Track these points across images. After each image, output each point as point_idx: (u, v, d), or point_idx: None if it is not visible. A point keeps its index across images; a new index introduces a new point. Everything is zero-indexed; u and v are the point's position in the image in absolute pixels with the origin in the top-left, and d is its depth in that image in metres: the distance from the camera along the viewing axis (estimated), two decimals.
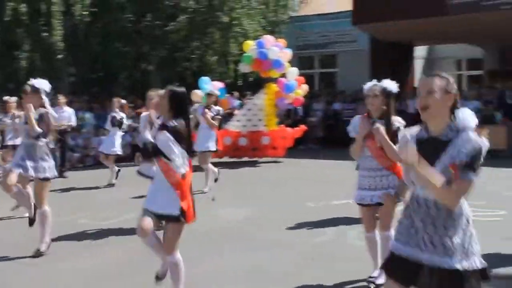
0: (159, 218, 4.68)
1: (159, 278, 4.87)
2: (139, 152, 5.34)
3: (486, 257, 3.13)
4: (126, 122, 12.17)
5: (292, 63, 15.21)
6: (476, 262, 2.99)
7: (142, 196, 9.88)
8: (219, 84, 12.73)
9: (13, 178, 6.49)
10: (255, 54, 14.04)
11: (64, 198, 10.13)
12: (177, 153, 4.48)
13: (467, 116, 3.06)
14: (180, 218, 4.53)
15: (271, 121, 14.75)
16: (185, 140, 4.57)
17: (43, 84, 6.55)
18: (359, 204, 5.24)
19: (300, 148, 16.81)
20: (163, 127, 4.58)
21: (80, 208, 9.13)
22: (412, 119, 5.27)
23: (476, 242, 3.04)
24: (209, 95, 11.11)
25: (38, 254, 6.29)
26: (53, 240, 6.60)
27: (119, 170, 11.58)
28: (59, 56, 16.73)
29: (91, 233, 7.40)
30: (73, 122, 13.21)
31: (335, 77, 22.11)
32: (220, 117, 11.08)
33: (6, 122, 10.49)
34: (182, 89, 4.73)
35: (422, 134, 3.11)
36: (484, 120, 12.07)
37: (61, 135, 12.48)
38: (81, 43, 17.76)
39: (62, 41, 16.44)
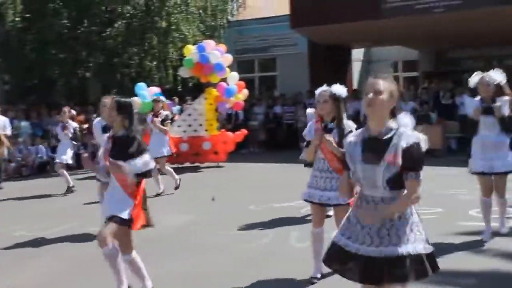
0: (109, 220, 4.75)
1: None
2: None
3: None
4: (78, 132, 12.13)
5: (232, 67, 15.21)
6: (420, 248, 3.21)
7: (83, 205, 9.78)
8: (156, 89, 12.60)
9: None
10: (196, 58, 13.97)
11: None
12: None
13: (405, 118, 3.30)
14: (126, 223, 4.67)
15: (212, 126, 14.71)
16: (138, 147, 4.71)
17: None
18: (307, 201, 5.40)
19: (242, 152, 16.83)
20: (117, 137, 4.75)
21: (16, 219, 8.88)
22: (352, 120, 5.42)
23: (420, 230, 3.27)
24: (155, 101, 11.17)
25: None
26: None
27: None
28: None
29: (27, 245, 7.19)
30: (8, 131, 12.85)
31: (275, 81, 22.24)
32: (169, 121, 11.39)
33: None
34: (128, 99, 4.88)
35: (364, 135, 3.33)
36: (420, 120, 12.33)
37: None
38: (13, 50, 17.30)
39: None
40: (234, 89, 14.54)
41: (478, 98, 6.49)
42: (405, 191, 3.22)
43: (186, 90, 18.72)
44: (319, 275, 5.36)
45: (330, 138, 5.07)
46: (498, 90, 6.28)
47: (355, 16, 16.20)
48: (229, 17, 21.40)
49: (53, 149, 15.97)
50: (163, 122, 10.92)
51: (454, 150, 15.23)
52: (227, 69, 14.36)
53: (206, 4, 19.80)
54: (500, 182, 6.52)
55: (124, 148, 4.70)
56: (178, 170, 11.46)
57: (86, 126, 15.85)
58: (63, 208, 9.46)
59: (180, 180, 10.86)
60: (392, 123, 3.26)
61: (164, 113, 11.12)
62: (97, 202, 7.75)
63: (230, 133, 15.07)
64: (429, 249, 3.27)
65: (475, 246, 6.31)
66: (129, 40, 17.89)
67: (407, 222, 3.26)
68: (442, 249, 6.04)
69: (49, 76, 17.75)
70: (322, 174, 5.28)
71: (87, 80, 19.42)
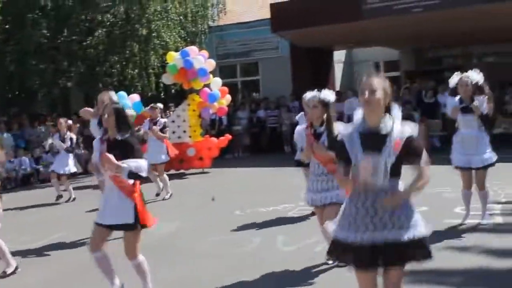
0: (113, 229, 4.89)
1: None
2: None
3: None
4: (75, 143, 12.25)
5: (214, 72, 15.20)
6: (418, 232, 3.43)
7: (71, 215, 9.73)
8: (136, 98, 12.55)
9: None
10: (180, 63, 13.94)
11: None
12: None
13: (398, 111, 3.52)
14: (135, 226, 4.81)
15: (196, 132, 14.69)
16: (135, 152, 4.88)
17: None
18: (311, 205, 5.72)
19: (226, 158, 16.82)
20: (113, 141, 4.89)
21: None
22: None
23: (416, 215, 3.49)
24: (153, 108, 11.26)
25: None
26: None
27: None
28: None
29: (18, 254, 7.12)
30: None
31: (258, 85, 22.26)
32: (167, 128, 11.75)
33: None
34: (120, 105, 5.20)
35: (362, 128, 3.49)
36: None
37: None
38: None
39: None
40: (217, 95, 14.53)
41: (457, 97, 6.82)
42: (416, 177, 3.49)
43: (169, 97, 18.67)
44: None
45: (319, 145, 5.27)
46: (476, 90, 6.63)
47: (335, 18, 16.26)
48: (210, 23, 21.38)
49: (37, 160, 15.90)
50: (162, 129, 11.22)
51: (438, 148, 15.32)
52: (210, 75, 14.35)
53: (186, 10, 19.76)
54: (480, 176, 6.86)
55: (119, 151, 4.82)
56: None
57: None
58: (48, 220, 9.39)
59: (171, 194, 10.92)
60: (388, 118, 3.46)
61: (163, 120, 11.44)
62: (88, 211, 7.71)
63: (214, 139, 15.05)
64: (429, 229, 3.49)
65: (461, 244, 6.35)
66: (110, 49, 17.80)
67: (408, 207, 3.46)
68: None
69: (30, 86, 17.61)
70: (318, 178, 5.49)
71: (69, 90, 19.29)
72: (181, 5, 19.52)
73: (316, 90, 5.60)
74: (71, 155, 11.76)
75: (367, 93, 3.42)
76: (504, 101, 16.25)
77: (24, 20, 16.83)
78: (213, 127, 17.93)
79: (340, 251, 3.54)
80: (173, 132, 14.42)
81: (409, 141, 3.42)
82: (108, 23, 17.84)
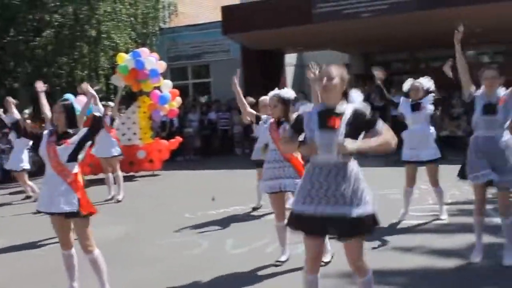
0: (62, 216, 4.97)
1: None
2: None
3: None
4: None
5: (165, 74, 15.10)
6: (369, 209, 3.71)
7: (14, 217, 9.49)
8: (83, 99, 12.35)
9: None
10: (131, 64, 13.79)
11: None
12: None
13: (356, 95, 3.89)
14: (79, 213, 4.91)
15: (146, 134, 14.55)
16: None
17: None
18: (269, 193, 5.86)
19: (177, 160, 16.73)
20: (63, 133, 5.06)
21: None
22: None
23: (368, 193, 3.75)
24: (105, 106, 11.12)
25: None
26: None
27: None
28: None
29: None
30: None
31: (209, 87, 22.22)
32: (122, 124, 11.82)
33: None
34: (70, 101, 5.28)
35: (321, 108, 3.83)
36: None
37: None
38: None
39: None
40: (168, 97, 14.44)
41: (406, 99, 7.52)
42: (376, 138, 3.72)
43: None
44: (284, 258, 5.95)
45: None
46: (426, 94, 7.37)
47: (286, 22, 16.39)
48: (161, 25, 21.24)
49: None
50: (111, 124, 11.08)
51: None
52: (161, 77, 14.25)
53: (136, 11, 19.58)
54: (431, 171, 7.37)
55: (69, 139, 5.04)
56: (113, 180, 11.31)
57: None
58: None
59: (123, 198, 10.82)
60: (344, 102, 3.79)
61: (110, 114, 11.21)
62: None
63: (164, 141, 14.95)
64: (375, 209, 3.76)
65: (406, 245, 6.48)
66: (59, 50, 17.49)
67: (360, 185, 3.73)
68: (373, 247, 6.17)
69: None
70: (275, 164, 5.73)
71: (16, 91, 18.84)
72: (132, 6, 19.34)
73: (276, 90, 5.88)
74: (25, 149, 11.25)
75: (325, 79, 3.75)
76: (451, 105, 16.65)
77: None
78: (163, 129, 17.81)
79: (296, 222, 3.83)
80: (123, 134, 14.25)
81: (357, 114, 3.72)
82: (57, 23, 17.53)
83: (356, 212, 3.66)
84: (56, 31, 17.53)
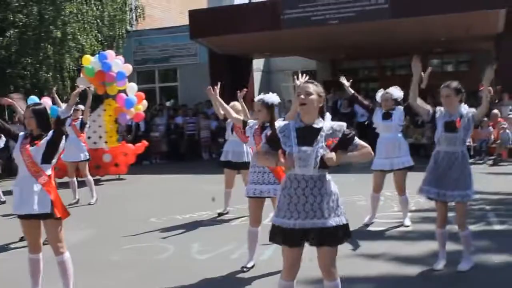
0: (34, 218, 5.01)
1: None
2: None
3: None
4: None
5: (132, 77, 14.98)
6: (343, 220, 3.92)
7: None
8: (48, 101, 12.17)
9: None
10: (98, 66, 13.63)
11: None
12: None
13: (328, 116, 4.01)
14: (52, 215, 4.96)
15: (112, 138, 14.39)
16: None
17: None
18: (249, 197, 5.87)
19: (144, 164, 16.60)
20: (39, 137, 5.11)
21: None
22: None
23: (340, 204, 3.94)
24: (75, 110, 10.98)
25: None
26: None
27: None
28: None
29: None
30: None
31: (176, 91, 22.14)
32: (88, 127, 11.69)
33: None
34: (42, 105, 5.30)
35: (298, 125, 3.95)
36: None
37: None
38: None
39: None
40: (134, 100, 14.32)
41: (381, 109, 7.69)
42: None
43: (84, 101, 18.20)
44: (251, 264, 5.97)
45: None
46: (396, 104, 7.59)
47: (254, 27, 16.44)
48: (128, 27, 21.08)
49: None
50: (81, 127, 11.03)
51: None
52: (127, 80, 14.12)
53: (103, 14, 19.39)
54: (398, 179, 7.55)
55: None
56: (78, 184, 11.13)
57: None
58: None
59: (97, 200, 10.76)
60: (320, 119, 3.94)
61: (80, 118, 11.16)
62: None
63: (130, 145, 14.81)
64: (347, 220, 3.95)
65: (372, 252, 6.52)
66: (23, 50, 17.20)
67: (335, 198, 3.91)
68: (341, 254, 6.19)
69: None
70: (256, 169, 5.78)
71: None
72: (98, 8, 19.14)
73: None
74: None
75: (302, 96, 3.88)
76: (415, 113, 16.87)
77: None
78: (129, 132, 17.65)
79: (274, 234, 3.98)
80: (89, 138, 14.06)
81: (344, 136, 3.91)
82: (21, 23, 17.23)
83: (331, 223, 3.85)
84: (20, 31, 17.24)
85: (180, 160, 17.91)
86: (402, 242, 6.89)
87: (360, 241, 6.87)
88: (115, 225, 8.80)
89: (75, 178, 10.91)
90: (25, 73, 17.35)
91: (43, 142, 5.06)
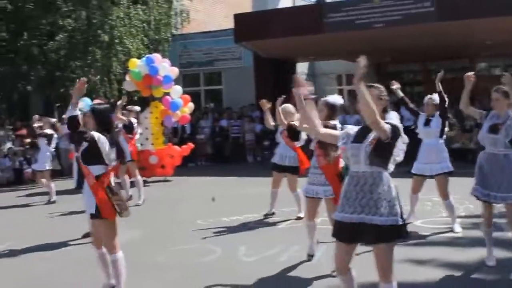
0: (91, 217, 5.31)
1: None
2: None
3: None
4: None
5: (177, 81, 15.14)
6: (399, 219, 3.91)
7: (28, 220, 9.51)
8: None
9: None
10: (145, 70, 13.83)
11: None
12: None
13: (393, 116, 4.10)
14: (97, 215, 5.12)
15: (158, 140, 14.59)
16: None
17: None
18: (306, 196, 6.20)
19: (189, 166, 16.76)
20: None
21: None
22: None
23: (397, 203, 3.95)
24: (129, 111, 11.40)
25: None
26: None
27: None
28: None
29: None
30: None
31: (221, 94, 22.27)
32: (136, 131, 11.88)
33: None
34: (105, 106, 5.56)
35: (362, 123, 4.12)
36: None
37: None
38: None
39: None
40: (180, 103, 14.48)
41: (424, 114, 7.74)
42: None
43: (131, 104, 18.49)
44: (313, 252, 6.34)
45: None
46: (436, 109, 7.61)
47: (298, 31, 16.42)
48: (174, 31, 21.31)
49: None
50: (131, 131, 11.41)
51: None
52: (173, 82, 14.30)
53: (149, 18, 19.65)
54: (440, 184, 7.54)
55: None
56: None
57: (28, 140, 15.64)
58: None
59: (144, 201, 11.07)
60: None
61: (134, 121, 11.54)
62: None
63: (176, 147, 14.99)
64: (403, 221, 3.95)
65: (421, 257, 6.44)
66: (72, 54, 17.56)
67: (388, 196, 3.93)
68: None
69: None
70: (313, 170, 6.05)
71: (28, 94, 18.96)
72: (145, 13, 19.41)
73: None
74: (48, 153, 11.81)
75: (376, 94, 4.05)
76: (463, 117, 16.61)
77: None
78: (175, 135, 17.85)
79: (335, 230, 4.15)
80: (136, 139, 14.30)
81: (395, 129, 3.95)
82: (70, 27, 17.61)
83: (384, 220, 3.88)
84: (69, 36, 17.61)
85: (225, 163, 18.02)
86: (451, 248, 6.79)
87: (408, 246, 6.80)
88: (161, 226, 8.92)
89: (126, 177, 11.14)
90: (74, 76, 17.70)
91: (84, 144, 5.18)
